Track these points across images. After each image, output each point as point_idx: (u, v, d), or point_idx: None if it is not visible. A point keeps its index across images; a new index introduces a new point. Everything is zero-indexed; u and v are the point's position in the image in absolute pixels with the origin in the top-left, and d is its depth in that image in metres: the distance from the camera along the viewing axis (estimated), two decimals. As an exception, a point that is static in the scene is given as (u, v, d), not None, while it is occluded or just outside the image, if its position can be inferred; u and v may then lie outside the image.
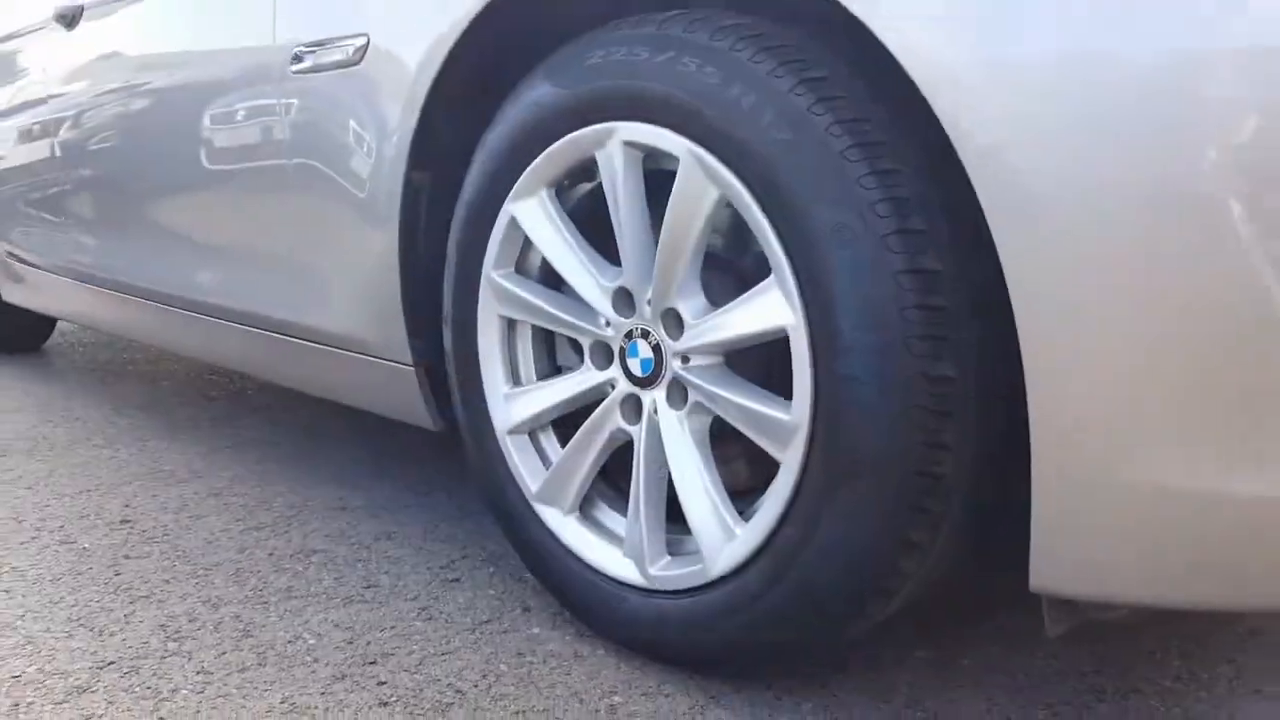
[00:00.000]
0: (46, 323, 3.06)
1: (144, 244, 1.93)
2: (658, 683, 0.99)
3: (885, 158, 0.78)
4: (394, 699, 0.97)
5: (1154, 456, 0.67)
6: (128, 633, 1.12)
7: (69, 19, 2.09)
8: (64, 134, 2.17)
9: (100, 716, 0.95)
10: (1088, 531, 0.71)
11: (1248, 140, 0.62)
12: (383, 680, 1.00)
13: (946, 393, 0.76)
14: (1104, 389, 0.68)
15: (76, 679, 1.02)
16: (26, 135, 2.40)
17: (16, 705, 0.97)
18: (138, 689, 1.00)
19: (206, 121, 1.59)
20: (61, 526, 1.48)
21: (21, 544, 1.41)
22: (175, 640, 1.10)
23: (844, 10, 0.76)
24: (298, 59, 1.31)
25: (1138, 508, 0.69)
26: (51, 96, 2.20)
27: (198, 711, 0.95)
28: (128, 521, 1.49)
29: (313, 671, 1.02)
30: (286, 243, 1.44)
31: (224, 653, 1.06)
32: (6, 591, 1.24)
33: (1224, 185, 0.62)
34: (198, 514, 1.51)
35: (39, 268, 2.52)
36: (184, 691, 0.99)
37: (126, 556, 1.35)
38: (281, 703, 0.96)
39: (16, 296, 2.79)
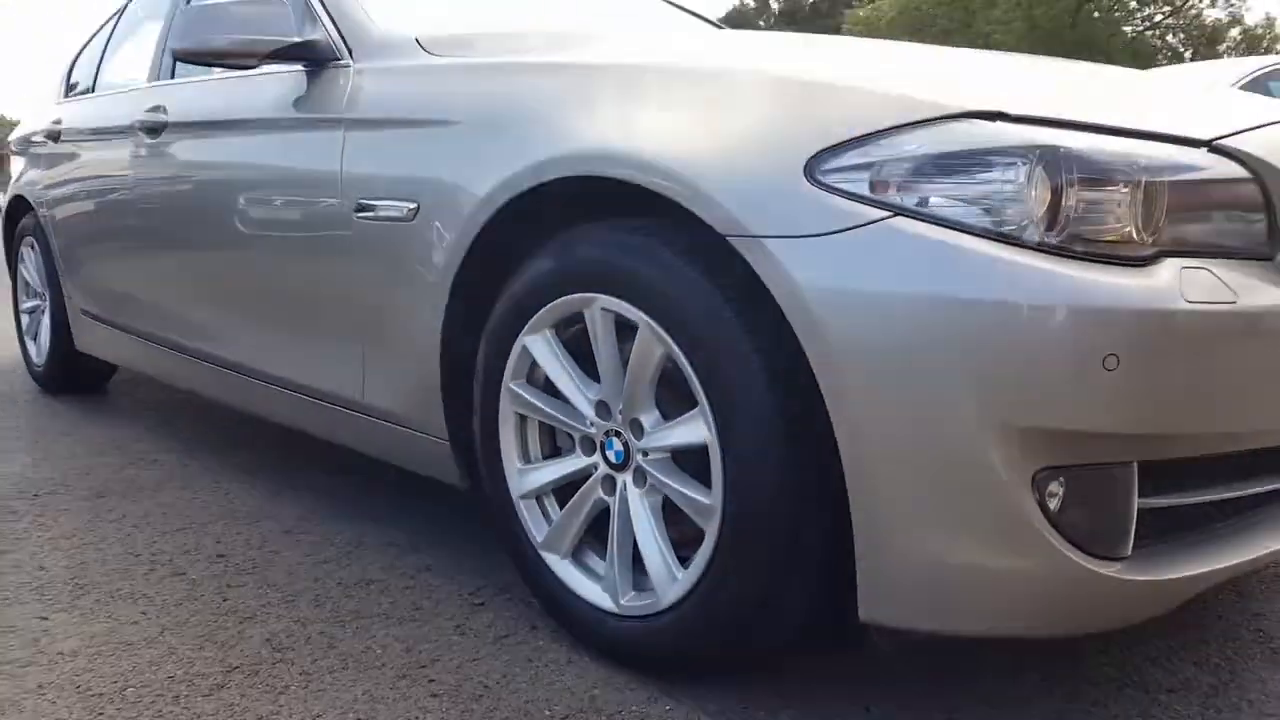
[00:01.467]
0: (110, 367, 3.48)
1: (208, 318, 2.35)
2: (626, 680, 1.40)
3: (765, 339, 1.18)
4: (441, 692, 1.38)
5: (921, 538, 1.09)
6: (243, 645, 1.53)
7: (153, 129, 2.51)
8: (142, 222, 2.59)
9: (237, 705, 1.36)
10: (890, 584, 1.12)
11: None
12: (432, 679, 1.42)
13: (803, 492, 1.17)
14: (893, 493, 1.09)
15: (214, 679, 1.43)
16: (108, 218, 2.83)
17: (177, 698, 1.39)
18: (260, 686, 1.41)
19: (276, 234, 2.01)
20: (170, 560, 1.90)
21: (144, 576, 1.83)
22: (279, 650, 1.51)
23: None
24: (361, 209, 1.73)
25: (916, 570, 1.10)
26: (133, 190, 2.62)
27: (305, 700, 1.37)
28: (222, 556, 1.91)
29: (382, 672, 1.44)
30: (344, 337, 1.86)
31: (317, 659, 1.48)
32: (144, 614, 1.66)
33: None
34: (276, 549, 1.93)
35: (110, 325, 2.95)
36: (293, 688, 1.40)
37: (228, 585, 1.76)
38: (363, 694, 1.38)
39: (89, 347, 3.22)
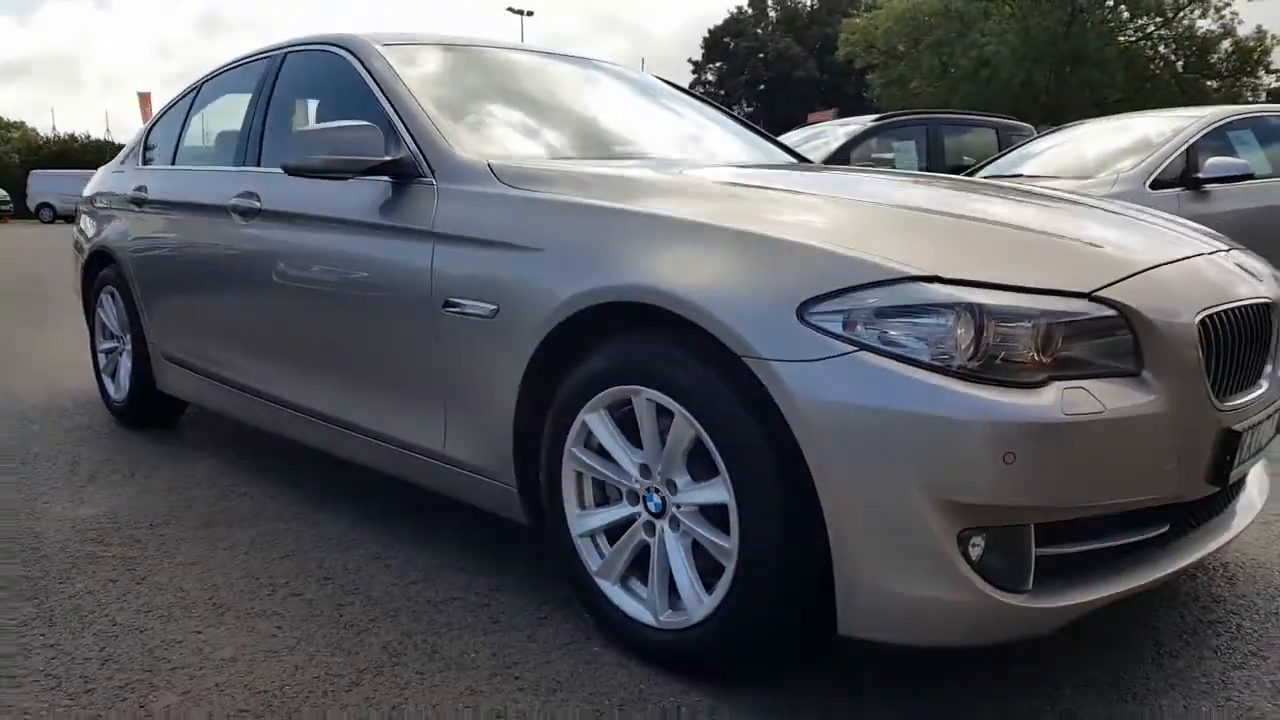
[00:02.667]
0: (181, 405, 3.92)
1: (297, 374, 2.79)
2: (665, 678, 1.84)
3: (769, 429, 1.63)
4: (525, 687, 1.83)
5: (882, 575, 1.53)
6: (365, 651, 1.98)
7: (246, 212, 2.95)
8: (234, 288, 3.03)
9: (372, 698, 1.81)
10: (860, 608, 1.57)
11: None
12: (517, 676, 1.86)
13: (797, 540, 1.62)
14: (861, 544, 1.54)
15: (350, 678, 1.88)
16: (198, 281, 3.27)
17: (325, 693, 1.83)
18: (386, 683, 1.85)
19: (368, 313, 2.45)
20: (287, 583, 2.34)
21: (268, 596, 2.27)
22: (395, 655, 1.96)
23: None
24: (448, 304, 2.18)
25: (879, 598, 1.55)
26: (225, 261, 3.05)
27: (424, 694, 1.81)
28: (329, 578, 2.36)
29: (478, 671, 1.88)
30: (427, 401, 2.30)
31: (425, 662, 1.93)
32: (279, 628, 2.10)
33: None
34: (370, 573, 2.38)
35: (194, 370, 3.39)
36: (413, 685, 1.85)
37: (340, 604, 2.21)
38: (466, 689, 1.82)
39: (170, 387, 3.66)
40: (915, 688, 1.82)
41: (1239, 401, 1.78)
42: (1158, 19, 39.71)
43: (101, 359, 4.13)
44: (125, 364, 3.91)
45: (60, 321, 7.20)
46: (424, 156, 2.37)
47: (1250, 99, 42.73)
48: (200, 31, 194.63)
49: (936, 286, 1.54)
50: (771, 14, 58.00)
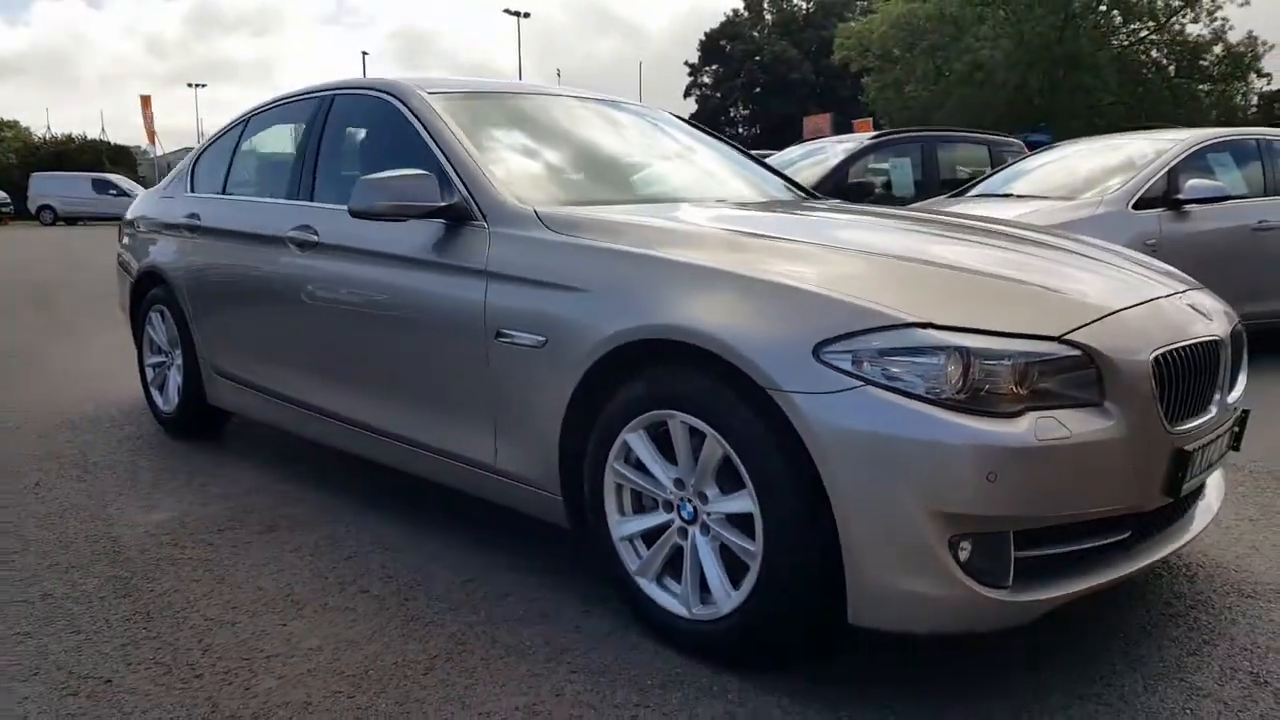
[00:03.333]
0: (226, 417, 4.21)
1: (352, 390, 3.07)
2: (698, 663, 2.13)
3: (789, 450, 1.92)
4: (577, 670, 2.11)
5: (886, 574, 1.82)
6: (434, 640, 2.27)
7: (303, 244, 3.24)
8: (290, 312, 3.31)
9: (447, 680, 2.09)
10: (867, 602, 1.86)
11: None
12: (568, 662, 2.15)
13: (813, 545, 1.91)
14: (868, 547, 1.83)
15: (424, 664, 2.17)
16: (253, 304, 3.55)
17: (405, 677, 2.12)
18: (457, 668, 2.14)
19: (423, 339, 2.73)
20: (354, 581, 2.63)
21: (339, 592, 2.56)
22: (461, 644, 2.25)
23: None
24: (500, 335, 2.47)
25: (883, 594, 1.84)
26: (282, 287, 3.32)
27: (491, 676, 2.10)
28: (391, 577, 2.64)
29: (534, 657, 2.17)
30: (478, 419, 2.58)
31: (488, 650, 2.21)
32: (354, 621, 2.39)
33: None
34: (429, 572, 2.67)
35: (246, 385, 3.67)
36: (480, 669, 2.14)
37: (405, 599, 2.50)
38: (527, 673, 2.11)
39: (220, 401, 3.94)
40: (911, 670, 2.12)
41: (1189, 425, 2.08)
42: (1150, 24, 40.08)
43: (150, 373, 4.41)
44: (174, 378, 4.19)
45: (82, 332, 7.48)
46: (475, 202, 2.66)
47: (1241, 103, 43.14)
48: (193, 31, 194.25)
49: (931, 331, 1.83)
50: (767, 17, 58.32)
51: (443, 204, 2.67)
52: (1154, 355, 1.98)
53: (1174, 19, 39.56)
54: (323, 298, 3.13)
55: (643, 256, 2.25)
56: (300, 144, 3.51)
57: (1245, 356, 2.48)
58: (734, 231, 2.45)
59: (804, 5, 58.49)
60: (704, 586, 2.15)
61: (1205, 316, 2.26)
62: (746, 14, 58.07)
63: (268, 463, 3.81)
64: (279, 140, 3.88)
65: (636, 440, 2.21)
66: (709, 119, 56.40)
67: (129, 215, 4.74)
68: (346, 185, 3.28)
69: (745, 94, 56.51)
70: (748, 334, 1.96)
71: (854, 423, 1.82)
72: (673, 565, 2.24)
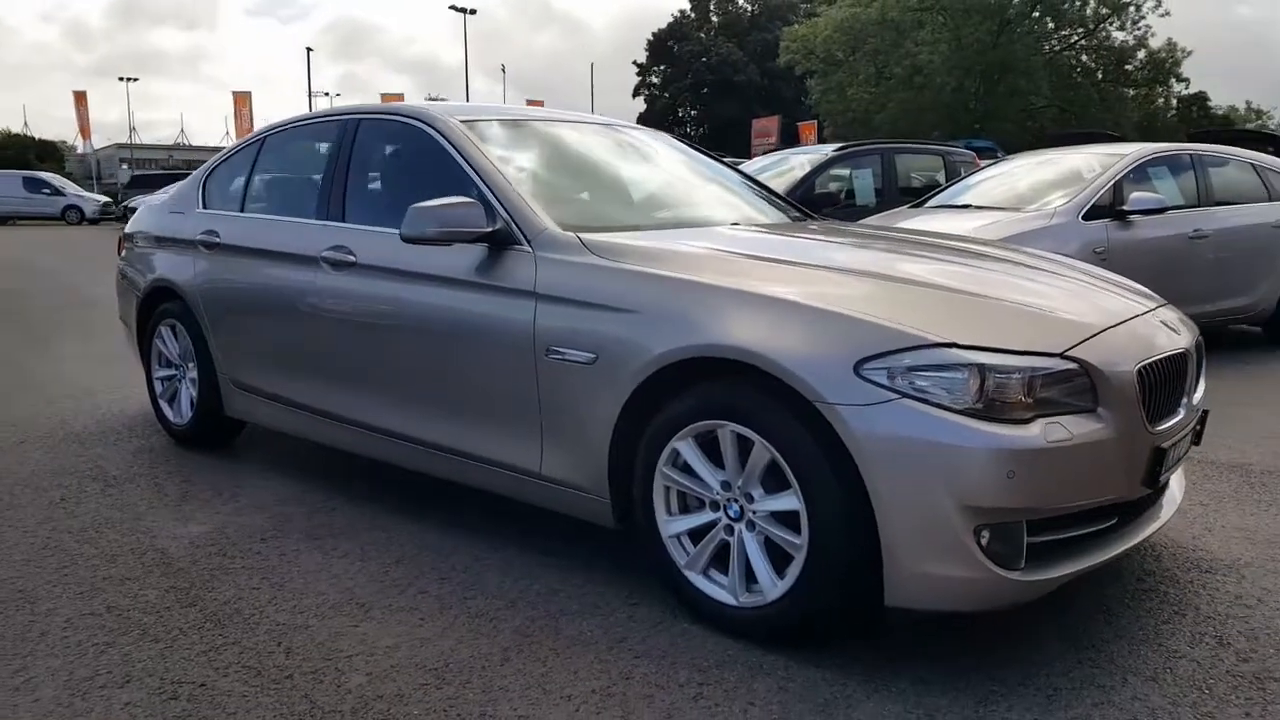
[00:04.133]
0: (239, 428, 4.35)
1: (392, 402, 3.26)
2: (745, 646, 2.38)
3: (832, 454, 2.19)
4: (640, 654, 2.36)
5: (919, 560, 2.10)
6: (502, 635, 2.49)
7: (337, 264, 3.42)
8: (324, 327, 3.48)
9: (524, 669, 2.31)
10: (902, 584, 2.14)
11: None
12: (630, 648, 2.39)
13: (854, 536, 2.18)
14: (903, 537, 2.11)
15: (499, 656, 2.38)
16: (281, 320, 3.71)
17: (483, 668, 2.34)
18: (529, 657, 2.36)
19: (469, 354, 2.93)
20: (410, 583, 2.83)
21: (400, 594, 2.76)
22: (527, 636, 2.47)
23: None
24: (550, 352, 2.69)
25: (916, 577, 2.12)
26: (315, 304, 3.49)
27: (563, 663, 2.33)
28: (445, 578, 2.86)
29: (598, 646, 2.40)
30: (525, 428, 2.81)
31: (554, 641, 2.44)
32: (422, 620, 2.60)
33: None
34: (479, 572, 2.88)
35: (270, 397, 3.83)
36: (550, 658, 2.37)
37: (464, 598, 2.71)
38: (594, 659, 2.35)
39: (239, 412, 4.10)
40: (935, 645, 2.40)
41: (1164, 426, 2.40)
42: (1080, 30, 41.48)
43: (159, 386, 4.51)
44: (186, 391, 4.32)
45: (54, 342, 7.46)
46: (518, 228, 2.88)
47: (1163, 105, 44.81)
48: (118, 22, 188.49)
49: (954, 350, 2.12)
50: (713, 19, 58.90)
51: (488, 230, 2.88)
52: (1138, 367, 2.30)
53: (1102, 26, 41.02)
54: (360, 315, 3.32)
55: (691, 282, 2.50)
56: (327, 166, 3.68)
57: (1204, 364, 2.82)
58: (763, 259, 2.71)
59: (749, 8, 59.20)
60: (748, 577, 2.40)
61: (1174, 331, 2.59)
62: (693, 15, 58.60)
63: (289, 474, 3.97)
64: (300, 161, 4.04)
65: (686, 447, 2.46)
66: (658, 119, 56.81)
67: (129, 229, 4.84)
68: (381, 208, 3.50)
69: (693, 95, 57.06)
70: (795, 353, 2.22)
71: (892, 430, 2.09)
72: (717, 559, 2.49)
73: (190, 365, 4.26)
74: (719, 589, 2.46)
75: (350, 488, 3.74)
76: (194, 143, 64.56)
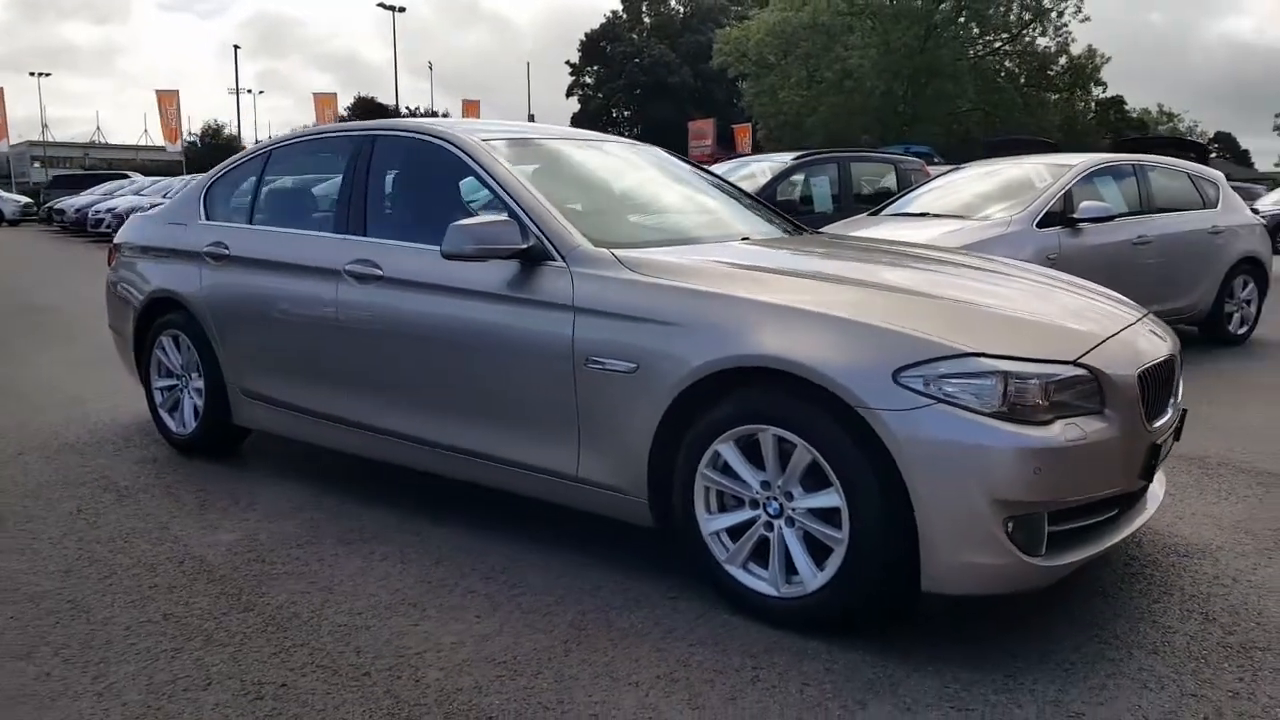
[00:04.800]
0: (244, 433, 4.41)
1: (421, 410, 3.38)
2: (786, 634, 2.59)
3: (871, 453, 2.41)
4: (694, 643, 2.54)
5: (954, 549, 2.33)
6: (558, 629, 2.65)
7: (362, 277, 3.53)
8: (351, 337, 3.59)
9: (587, 659, 2.48)
10: (938, 571, 2.36)
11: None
12: (682, 636, 2.58)
13: (892, 529, 2.40)
14: (939, 528, 2.33)
15: (561, 647, 2.54)
16: (303, 330, 3.80)
17: (549, 659, 2.50)
18: (588, 647, 2.54)
19: (504, 364, 3.09)
20: (457, 583, 2.97)
21: (448, 593, 2.90)
22: (582, 630, 2.64)
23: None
24: (590, 362, 2.87)
25: (950, 565, 2.35)
26: (340, 315, 3.59)
27: (622, 653, 2.50)
28: (489, 577, 3.00)
29: (651, 638, 2.58)
30: (562, 434, 2.98)
31: (610, 633, 2.61)
32: (478, 617, 2.74)
33: None
34: (519, 571, 3.03)
35: (276, 404, 3.92)
36: (608, 648, 2.54)
37: (513, 595, 2.86)
38: (650, 648, 2.53)
39: (248, 421, 4.17)
40: (956, 629, 2.64)
41: (1157, 424, 2.68)
42: (1004, 35, 42.83)
43: (159, 396, 4.54)
44: (190, 400, 4.37)
45: (21, 350, 7.33)
46: (551, 244, 3.05)
47: (1083, 108, 46.47)
48: (23, 13, 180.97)
49: (982, 359, 2.35)
50: (646, 20, 59.20)
51: (523, 247, 3.04)
52: (1139, 372, 2.57)
53: (1025, 31, 42.43)
54: (387, 327, 3.44)
55: (731, 297, 2.70)
56: (343, 181, 3.78)
57: (1182, 367, 3.12)
58: (786, 273, 2.93)
59: (680, 9, 59.63)
60: (788, 569, 2.61)
61: (1161, 338, 2.87)
62: (625, 16, 58.83)
63: (297, 481, 4.03)
64: (311, 176, 4.12)
65: (728, 450, 2.66)
66: (592, 119, 56.93)
67: (120, 240, 4.85)
68: (406, 224, 3.64)
69: (627, 96, 57.29)
70: (838, 363, 2.43)
71: (930, 433, 2.32)
72: (756, 553, 2.69)
73: (194, 375, 4.32)
74: (760, 581, 2.66)
75: (363, 492, 3.84)
76: (111, 140, 62.62)
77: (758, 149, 36.74)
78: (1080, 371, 2.45)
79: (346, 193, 3.76)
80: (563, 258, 3.02)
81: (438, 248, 3.22)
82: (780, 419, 2.54)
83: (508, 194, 3.22)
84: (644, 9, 59.45)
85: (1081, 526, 2.48)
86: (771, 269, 2.99)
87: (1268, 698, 2.28)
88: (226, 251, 4.13)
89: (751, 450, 2.64)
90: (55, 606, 2.86)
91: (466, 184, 3.53)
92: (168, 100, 34.88)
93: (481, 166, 3.34)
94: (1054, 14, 41.34)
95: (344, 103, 40.27)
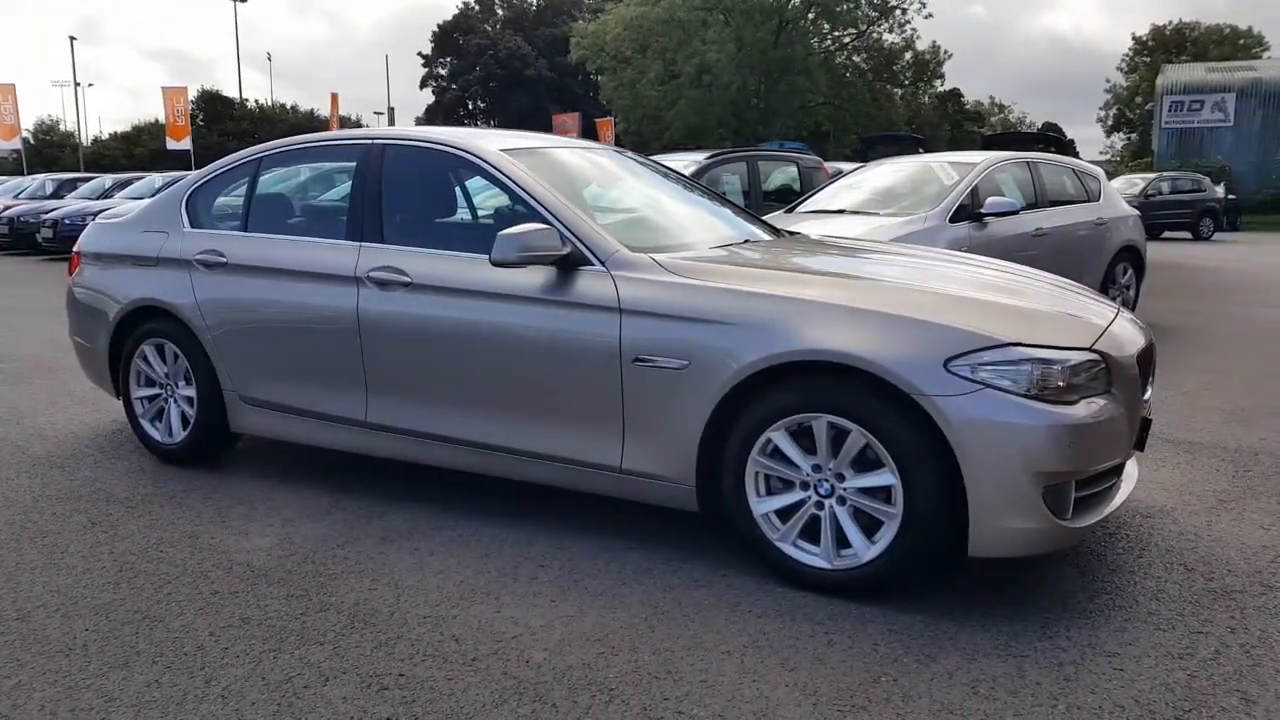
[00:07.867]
0: (233, 440, 4.39)
1: (458, 410, 3.51)
2: (842, 601, 2.90)
3: (924, 435, 2.74)
4: (761, 614, 2.82)
5: (999, 515, 2.70)
6: (634, 608, 2.87)
7: (385, 284, 3.62)
8: (376, 343, 3.67)
9: (674, 631, 2.72)
10: (985, 536, 2.72)
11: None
12: (748, 609, 2.84)
13: (943, 501, 2.74)
14: (987, 497, 2.69)
15: (645, 623, 2.77)
16: (317, 337, 3.84)
17: (640, 633, 2.72)
18: (673, 623, 2.77)
19: (548, 364, 3.27)
20: (516, 572, 3.13)
21: (515, 582, 3.06)
22: (657, 608, 2.86)
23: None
24: (639, 360, 3.09)
25: (996, 529, 2.71)
26: (362, 322, 3.67)
27: (712, 630, 2.75)
28: (543, 565, 3.18)
29: (719, 609, 2.84)
30: (607, 427, 3.19)
31: (681, 608, 2.86)
32: (553, 602, 2.92)
33: None
34: (570, 559, 3.23)
35: (280, 409, 3.96)
36: (689, 623, 2.78)
37: (576, 580, 3.05)
38: (724, 620, 2.78)
39: (246, 427, 4.17)
40: (990, 590, 3.01)
41: (1145, 400, 3.14)
42: (852, 31, 44.71)
43: (139, 406, 4.44)
44: (177, 409, 4.31)
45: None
46: (589, 250, 3.25)
47: (925, 102, 49.13)
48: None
49: (1019, 348, 2.73)
50: (499, 11, 58.61)
51: (563, 253, 3.23)
52: (1136, 354, 3.00)
53: (872, 28, 44.47)
54: (419, 332, 3.54)
55: (778, 296, 2.98)
56: (355, 189, 3.84)
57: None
58: (814, 272, 3.23)
59: (534, 2, 59.33)
60: (838, 543, 2.92)
61: (1138, 328, 3.34)
62: (477, 7, 58.08)
63: (313, 485, 4.05)
64: (312, 183, 4.14)
65: (780, 437, 2.94)
66: (448, 112, 55.97)
67: (85, 248, 4.70)
68: (432, 232, 3.74)
69: (482, 88, 56.59)
70: (892, 355, 2.75)
71: (979, 414, 2.67)
72: (805, 531, 2.98)
73: (182, 384, 4.26)
74: (812, 556, 2.96)
75: (380, 494, 3.92)
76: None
77: (619, 143, 37.19)
78: (1094, 356, 2.85)
79: (358, 201, 3.82)
80: (601, 262, 3.23)
81: (467, 254, 3.37)
82: (834, 407, 2.84)
83: (538, 203, 3.40)
84: (497, 1, 58.87)
85: (1096, 492, 2.89)
86: (799, 270, 3.28)
87: (1260, 630, 2.74)
88: (222, 259, 4.10)
89: (801, 436, 2.93)
90: (126, 617, 2.86)
91: (476, 190, 3.67)
92: (3, 94, 31.80)
93: (507, 177, 3.50)
94: (897, 10, 43.53)
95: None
